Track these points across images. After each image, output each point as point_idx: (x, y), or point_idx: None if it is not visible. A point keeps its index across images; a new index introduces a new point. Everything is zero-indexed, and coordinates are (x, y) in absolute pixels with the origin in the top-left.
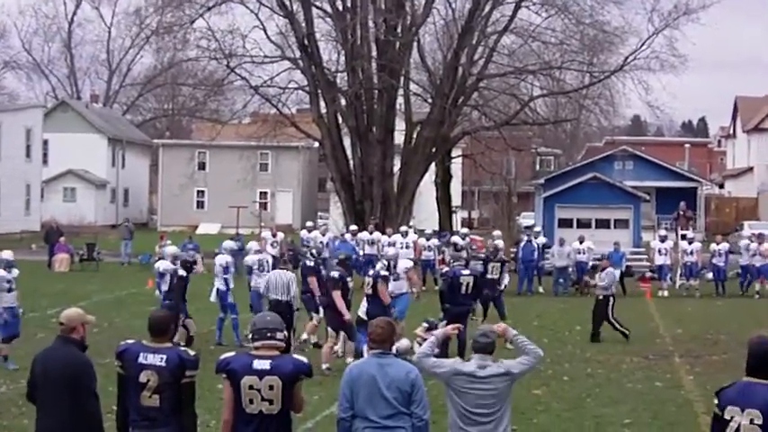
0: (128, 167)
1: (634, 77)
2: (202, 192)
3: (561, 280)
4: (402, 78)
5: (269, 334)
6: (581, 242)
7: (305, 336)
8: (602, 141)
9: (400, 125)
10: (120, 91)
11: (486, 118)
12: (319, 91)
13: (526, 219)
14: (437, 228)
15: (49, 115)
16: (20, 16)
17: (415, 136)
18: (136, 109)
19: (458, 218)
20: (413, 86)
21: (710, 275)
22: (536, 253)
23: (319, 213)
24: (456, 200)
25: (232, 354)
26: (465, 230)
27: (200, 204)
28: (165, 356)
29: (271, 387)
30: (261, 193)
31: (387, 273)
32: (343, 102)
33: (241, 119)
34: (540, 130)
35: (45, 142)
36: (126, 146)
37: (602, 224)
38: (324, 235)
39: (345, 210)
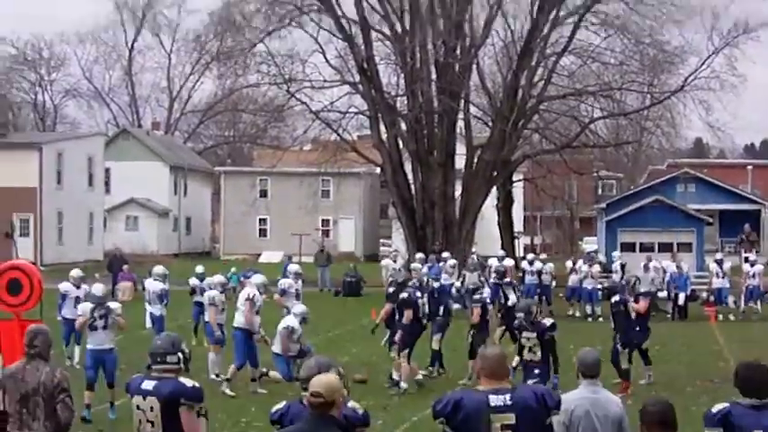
0: (190, 195)
1: (695, 98)
2: (264, 219)
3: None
4: (462, 101)
5: (159, 358)
6: (646, 266)
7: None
8: (665, 164)
9: (461, 149)
10: (180, 118)
11: (547, 141)
12: (379, 115)
13: (589, 243)
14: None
15: (110, 143)
16: (80, 44)
17: (475, 160)
18: (197, 136)
19: (520, 243)
20: (473, 109)
21: None
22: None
23: (381, 240)
24: (518, 225)
25: (137, 375)
26: (531, 256)
27: (263, 232)
28: None
29: (151, 408)
30: (323, 220)
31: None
32: (403, 126)
33: (302, 145)
34: (601, 153)
35: (107, 170)
36: (188, 173)
37: (665, 248)
38: (395, 262)
39: (407, 235)
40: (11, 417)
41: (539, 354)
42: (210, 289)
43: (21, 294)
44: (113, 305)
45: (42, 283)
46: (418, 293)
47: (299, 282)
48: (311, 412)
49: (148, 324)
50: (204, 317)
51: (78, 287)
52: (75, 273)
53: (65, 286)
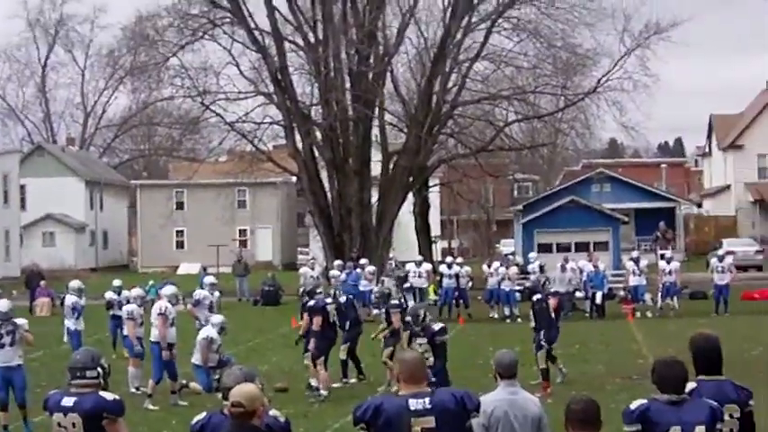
0: (106, 209)
1: (608, 99)
2: (182, 231)
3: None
4: (377, 109)
5: (78, 373)
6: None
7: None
8: (580, 165)
9: (376, 156)
10: (95, 133)
11: (462, 145)
12: (294, 125)
13: (506, 246)
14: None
15: (25, 160)
16: None
17: (391, 166)
18: (112, 151)
19: (438, 247)
20: (388, 116)
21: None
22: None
23: (299, 249)
24: (435, 229)
25: (54, 391)
26: (449, 259)
27: (180, 244)
28: None
29: (73, 425)
30: (240, 230)
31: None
32: (318, 134)
33: (218, 156)
34: (516, 156)
35: (22, 187)
36: (103, 188)
37: (582, 247)
38: (313, 269)
39: (325, 243)
40: None
41: (431, 359)
42: (128, 303)
43: None
44: (19, 321)
45: None
46: (328, 300)
47: (215, 293)
48: (232, 422)
49: (66, 338)
50: (122, 330)
51: None
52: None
53: None
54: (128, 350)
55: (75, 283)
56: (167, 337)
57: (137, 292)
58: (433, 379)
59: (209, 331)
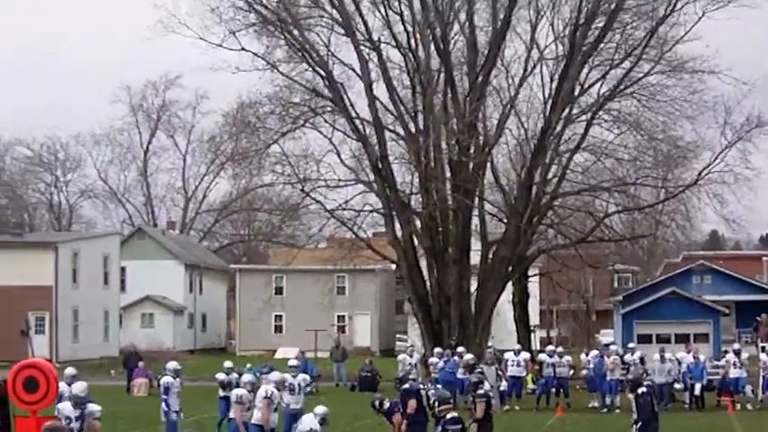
0: (205, 293)
1: (709, 191)
2: (280, 316)
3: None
4: (476, 198)
5: None
6: (662, 357)
7: None
8: (680, 257)
9: (476, 245)
10: (196, 218)
11: (562, 236)
12: (394, 213)
13: (605, 336)
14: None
15: (125, 242)
16: (95, 146)
17: (491, 255)
18: (212, 235)
19: (536, 336)
20: (487, 206)
21: None
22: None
23: (397, 335)
24: (534, 319)
25: None
26: (550, 348)
27: (279, 329)
28: None
29: None
30: (338, 316)
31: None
32: (418, 223)
33: (317, 243)
34: (616, 247)
35: (122, 269)
36: (203, 272)
37: (682, 339)
38: (411, 356)
39: (423, 330)
40: None
41: None
42: (239, 386)
43: (38, 392)
44: (93, 407)
45: (58, 380)
46: (421, 385)
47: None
48: None
49: (163, 418)
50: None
51: (69, 385)
52: (69, 371)
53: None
54: None
55: (171, 364)
56: (270, 421)
57: (248, 377)
58: None
59: (310, 422)
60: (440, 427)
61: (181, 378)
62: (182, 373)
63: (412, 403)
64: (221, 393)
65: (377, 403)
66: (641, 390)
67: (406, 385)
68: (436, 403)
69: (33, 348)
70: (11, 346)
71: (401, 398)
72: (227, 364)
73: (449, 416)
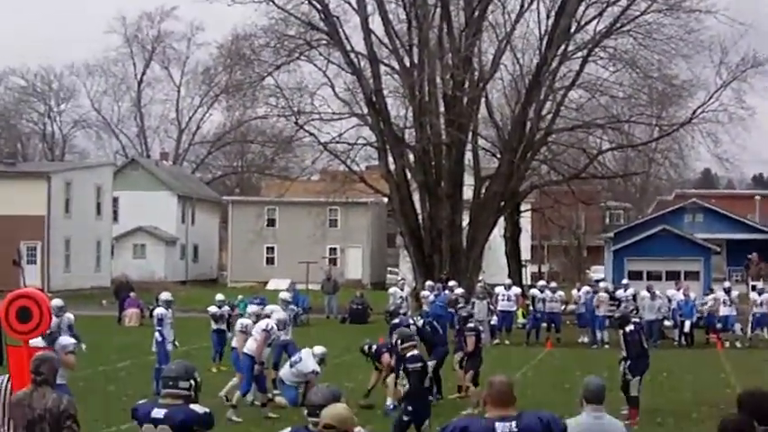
0: (197, 224)
1: (703, 130)
2: (272, 248)
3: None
4: (470, 133)
5: (170, 383)
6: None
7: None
8: (672, 195)
9: (469, 180)
10: (189, 149)
11: (555, 172)
12: (387, 147)
13: (596, 272)
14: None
15: (118, 173)
16: (89, 77)
17: (483, 190)
18: (205, 167)
19: (528, 271)
20: (481, 141)
21: None
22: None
23: (389, 269)
24: (525, 253)
25: (144, 401)
26: (542, 283)
27: (270, 260)
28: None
29: None
30: (330, 248)
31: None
32: (411, 157)
33: (310, 175)
34: (609, 184)
35: (115, 200)
36: (195, 203)
37: (673, 276)
38: (402, 290)
39: (415, 264)
40: None
41: (407, 387)
42: (230, 318)
43: (30, 322)
44: (64, 340)
45: (51, 310)
46: (410, 319)
47: (289, 308)
48: None
49: (154, 348)
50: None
51: (58, 317)
52: (56, 302)
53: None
54: (233, 362)
55: (164, 295)
56: (263, 354)
57: (253, 308)
58: (409, 408)
59: (311, 364)
60: (401, 365)
61: (173, 309)
62: (174, 304)
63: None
64: (214, 326)
65: (365, 348)
66: (629, 327)
67: (396, 320)
68: (399, 341)
69: (25, 278)
70: (3, 276)
71: (390, 332)
72: (219, 296)
73: (409, 354)
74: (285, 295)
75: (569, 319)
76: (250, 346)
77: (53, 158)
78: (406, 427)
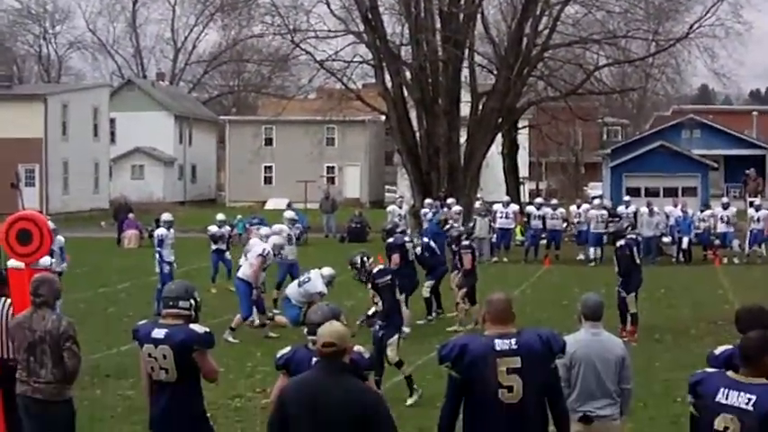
0: (195, 144)
1: (699, 45)
2: (270, 167)
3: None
4: (467, 50)
5: (171, 303)
6: (651, 210)
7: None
8: (670, 111)
9: (466, 96)
10: (185, 69)
11: (552, 88)
12: (384, 64)
13: (594, 189)
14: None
15: (115, 94)
16: None
17: (480, 107)
18: (202, 86)
19: (525, 188)
20: (477, 58)
21: None
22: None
23: (387, 187)
24: (523, 171)
25: (145, 321)
26: (539, 200)
27: (268, 180)
28: None
29: (164, 356)
30: (328, 167)
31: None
32: (408, 74)
33: (307, 94)
34: (606, 100)
35: (112, 121)
36: (193, 123)
37: (670, 192)
38: (400, 207)
39: (413, 182)
40: (19, 365)
41: (380, 303)
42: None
43: (31, 244)
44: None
45: (52, 232)
46: (406, 238)
47: (295, 227)
48: (323, 361)
49: (157, 269)
50: (225, 264)
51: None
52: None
53: None
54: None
55: (165, 216)
56: (259, 279)
57: (265, 231)
58: (383, 323)
59: (319, 285)
60: (369, 285)
61: (173, 229)
62: (174, 225)
63: (395, 258)
64: (213, 247)
65: (357, 259)
66: (620, 242)
67: (391, 239)
68: (365, 258)
69: (23, 201)
70: (1, 199)
71: (386, 251)
72: (220, 216)
73: (376, 269)
74: (290, 214)
75: (567, 237)
76: (245, 272)
77: (49, 80)
78: (380, 342)
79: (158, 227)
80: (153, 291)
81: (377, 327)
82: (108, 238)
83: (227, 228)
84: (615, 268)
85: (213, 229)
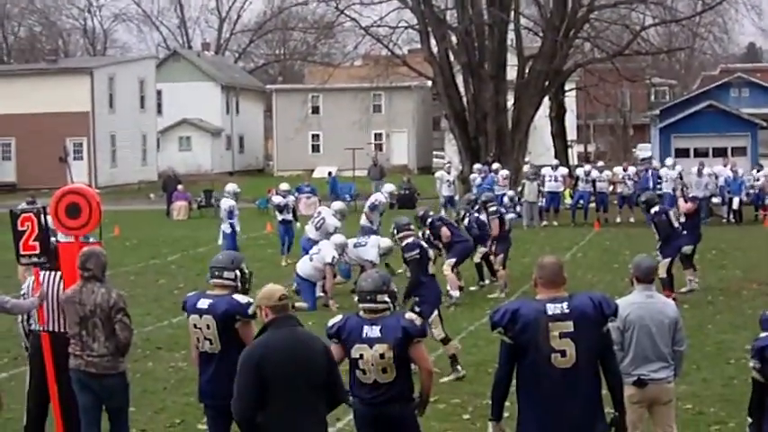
0: (242, 114)
1: (746, 3)
2: (317, 135)
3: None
4: (512, 12)
5: (216, 272)
6: (699, 171)
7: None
8: (718, 70)
9: (512, 60)
10: (230, 38)
11: (599, 49)
12: (429, 29)
13: (643, 150)
14: (555, 161)
15: (161, 66)
16: None
17: (527, 70)
18: (247, 56)
19: (574, 151)
20: (523, 20)
21: None
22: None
23: (435, 152)
24: (571, 134)
25: (192, 293)
26: (588, 166)
27: (316, 148)
28: None
29: (208, 326)
30: (376, 134)
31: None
32: (453, 39)
33: (353, 61)
34: (653, 61)
35: (159, 93)
36: (239, 93)
37: (720, 153)
38: (449, 173)
39: (461, 147)
40: (72, 339)
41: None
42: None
43: (80, 217)
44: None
45: (101, 205)
46: (441, 216)
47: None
48: (281, 317)
49: (220, 241)
50: (290, 235)
51: None
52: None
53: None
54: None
55: (230, 187)
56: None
57: (339, 205)
58: (419, 300)
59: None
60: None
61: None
62: (240, 196)
63: (445, 231)
64: (279, 217)
65: (421, 213)
66: (654, 210)
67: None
68: (395, 230)
69: (72, 174)
70: (51, 173)
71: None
72: (284, 186)
73: (405, 242)
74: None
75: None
76: (309, 272)
77: (95, 54)
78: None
79: (209, 197)
80: (203, 262)
81: (414, 304)
82: (157, 210)
83: (292, 198)
84: (655, 236)
85: (277, 199)
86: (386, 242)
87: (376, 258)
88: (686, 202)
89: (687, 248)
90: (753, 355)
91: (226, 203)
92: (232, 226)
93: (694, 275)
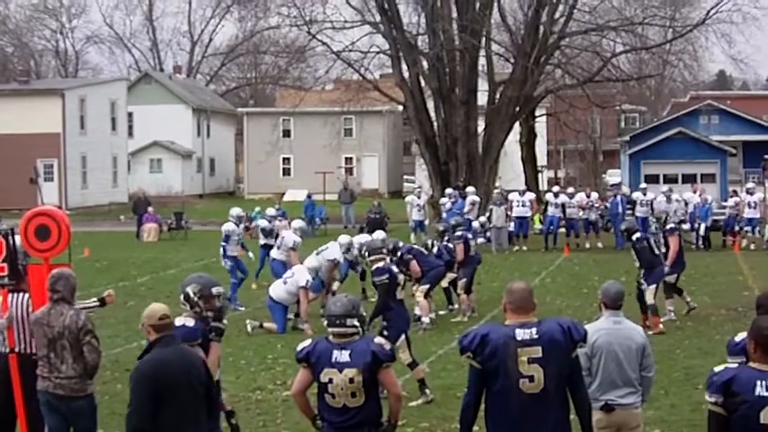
0: (213, 137)
1: (717, 31)
2: (288, 159)
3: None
4: (483, 39)
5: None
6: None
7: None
8: (687, 97)
9: (483, 85)
10: (202, 61)
11: (569, 76)
12: (401, 54)
13: (612, 176)
14: (524, 187)
15: (132, 88)
16: None
17: (498, 96)
18: (219, 79)
19: (544, 177)
20: (494, 46)
21: None
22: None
23: (405, 177)
24: (541, 159)
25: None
26: (556, 189)
27: (287, 171)
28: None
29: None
30: (346, 158)
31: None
32: (425, 64)
33: (324, 85)
34: (624, 87)
35: (130, 115)
36: (210, 115)
37: (689, 179)
38: (419, 198)
39: (431, 172)
40: (40, 361)
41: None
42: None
43: (49, 239)
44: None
45: (70, 227)
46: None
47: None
48: (166, 335)
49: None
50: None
51: None
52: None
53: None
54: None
55: (235, 211)
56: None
57: (299, 223)
58: (385, 325)
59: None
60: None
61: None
62: (244, 220)
63: (413, 264)
64: (262, 241)
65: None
66: (635, 236)
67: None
68: (366, 254)
69: (42, 196)
70: (20, 194)
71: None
72: (271, 211)
73: (375, 266)
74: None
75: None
76: (282, 296)
77: (66, 75)
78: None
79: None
80: (173, 284)
81: (382, 328)
82: (128, 231)
83: (278, 222)
84: (636, 263)
85: (264, 223)
86: (344, 238)
87: (340, 257)
88: (666, 238)
89: (670, 278)
90: (714, 390)
91: (226, 227)
92: (224, 249)
93: (674, 305)
